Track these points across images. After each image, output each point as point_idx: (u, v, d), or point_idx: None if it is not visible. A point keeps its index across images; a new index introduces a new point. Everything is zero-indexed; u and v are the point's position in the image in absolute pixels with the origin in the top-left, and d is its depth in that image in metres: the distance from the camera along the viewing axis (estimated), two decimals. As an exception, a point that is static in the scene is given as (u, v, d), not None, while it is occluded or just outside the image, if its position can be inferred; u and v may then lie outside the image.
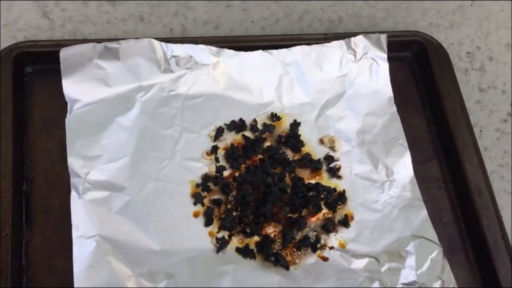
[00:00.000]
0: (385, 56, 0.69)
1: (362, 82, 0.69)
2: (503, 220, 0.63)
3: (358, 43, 0.69)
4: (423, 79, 0.72)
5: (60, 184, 0.58)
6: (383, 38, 0.69)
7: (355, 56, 0.69)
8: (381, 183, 0.64)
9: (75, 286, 0.53)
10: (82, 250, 0.54)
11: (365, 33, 0.69)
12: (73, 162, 0.58)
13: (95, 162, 0.59)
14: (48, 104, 0.62)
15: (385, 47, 0.69)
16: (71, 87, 0.62)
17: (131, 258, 0.55)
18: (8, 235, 0.53)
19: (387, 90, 0.69)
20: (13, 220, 0.54)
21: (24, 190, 0.58)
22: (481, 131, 0.72)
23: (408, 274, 0.58)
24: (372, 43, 0.69)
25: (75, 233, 0.55)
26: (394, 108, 0.68)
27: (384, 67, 0.69)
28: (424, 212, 0.63)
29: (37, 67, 0.64)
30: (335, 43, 0.69)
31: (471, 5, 0.79)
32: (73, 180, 0.57)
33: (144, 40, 0.64)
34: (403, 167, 0.65)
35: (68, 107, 0.61)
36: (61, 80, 0.62)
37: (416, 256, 0.59)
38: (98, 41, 0.63)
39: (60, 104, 0.61)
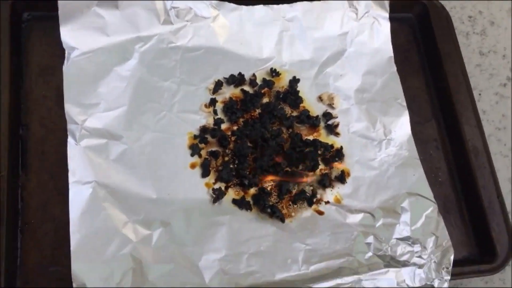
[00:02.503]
0: (387, 15, 0.69)
1: (362, 41, 0.68)
2: (499, 182, 0.63)
3: (360, 2, 0.68)
4: (424, 40, 0.72)
5: (56, 131, 0.58)
6: (386, -4, 0.68)
7: (356, 14, 0.68)
8: (378, 141, 0.64)
9: (70, 230, 0.53)
10: (78, 196, 0.54)
11: (367, -9, 0.69)
12: (70, 109, 0.58)
13: (93, 109, 0.59)
14: (45, 51, 0.61)
15: (387, 6, 0.69)
16: (69, 34, 0.61)
17: (127, 205, 0.55)
18: (5, 177, 0.53)
19: (388, 49, 0.69)
20: (9, 163, 0.54)
21: (20, 135, 0.57)
22: (480, 94, 0.72)
23: (402, 230, 0.59)
24: (374, 1, 0.69)
25: (71, 178, 0.55)
26: (394, 68, 0.68)
27: (385, 26, 0.69)
28: (420, 171, 0.63)
29: (34, 14, 0.63)
30: (337, 0, 0.68)
31: (475, -31, 0.78)
32: (70, 126, 0.57)
33: (144, -11, 0.63)
34: (401, 126, 0.65)
35: (65, 55, 0.60)
36: (59, 27, 0.61)
37: (411, 212, 0.60)
38: (97, -11, 0.62)
39: (58, 52, 0.61)
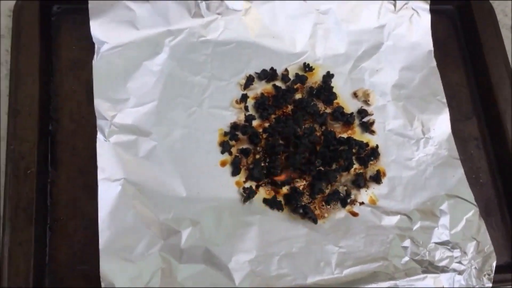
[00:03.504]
0: (427, 6, 0.66)
1: (401, 34, 0.66)
2: (543, 184, 0.60)
3: (399, -8, 0.66)
4: (465, 33, 0.68)
5: (86, 126, 0.57)
6: (426, -13, 0.65)
7: (394, 6, 0.66)
8: (416, 140, 0.61)
9: (99, 228, 0.52)
10: (107, 193, 0.53)
11: (406, -18, 0.66)
12: (100, 104, 0.57)
13: (122, 105, 0.57)
14: (75, 45, 0.60)
15: (428, -4, 0.66)
16: (99, 28, 0.60)
17: (156, 203, 0.54)
18: (34, 173, 0.52)
19: (427, 43, 0.66)
20: (39, 159, 0.53)
21: (50, 130, 0.57)
22: (524, 91, 0.68)
23: (441, 233, 0.56)
24: (414, -8, 0.66)
25: (100, 175, 0.54)
26: (434, 63, 0.65)
27: (425, 19, 0.66)
28: (460, 171, 0.60)
29: (64, 6, 0.62)
30: (374, -9, 0.66)
31: (520, -42, 0.74)
32: (100, 122, 0.56)
33: (175, -18, 0.62)
34: (441, 124, 0.62)
35: (95, 49, 0.59)
36: (88, 20, 0.60)
37: (451, 215, 0.57)
38: (128, -18, 0.61)
39: (87, 45, 0.60)
